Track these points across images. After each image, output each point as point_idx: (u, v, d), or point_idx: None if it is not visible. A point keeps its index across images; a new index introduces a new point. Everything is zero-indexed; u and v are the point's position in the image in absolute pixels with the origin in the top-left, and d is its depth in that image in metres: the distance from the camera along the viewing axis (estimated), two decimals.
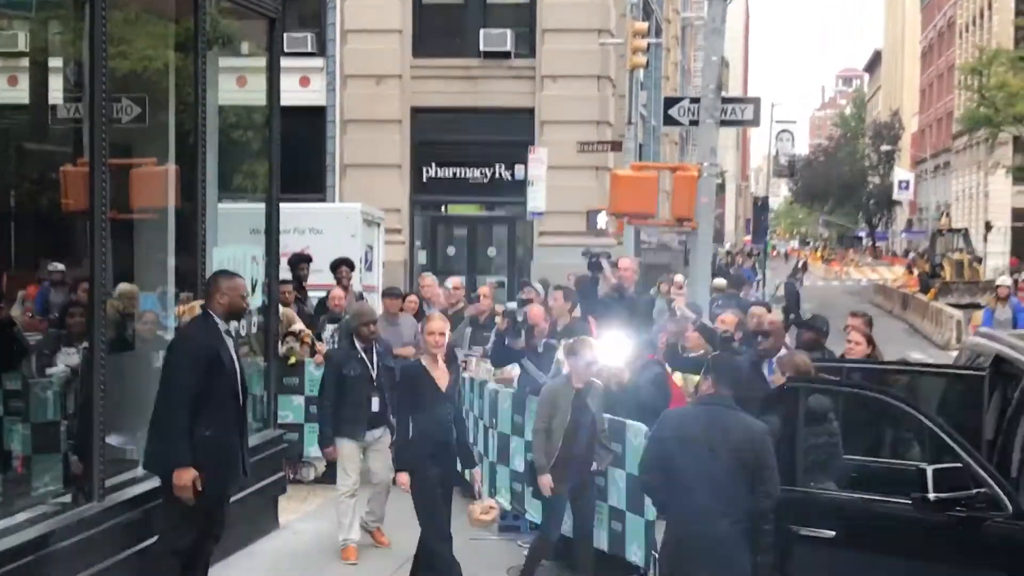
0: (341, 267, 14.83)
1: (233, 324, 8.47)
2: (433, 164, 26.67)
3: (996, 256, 64.38)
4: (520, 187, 24.48)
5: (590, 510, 9.31)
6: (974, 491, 6.52)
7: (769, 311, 12.25)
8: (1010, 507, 6.48)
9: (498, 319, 11.12)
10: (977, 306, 37.67)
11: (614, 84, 27.01)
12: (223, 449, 8.02)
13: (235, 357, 8.23)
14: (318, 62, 26.51)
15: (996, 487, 6.52)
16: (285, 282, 13.43)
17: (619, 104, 27.75)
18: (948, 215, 67.30)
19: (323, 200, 24.98)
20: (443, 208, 28.02)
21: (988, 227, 66.73)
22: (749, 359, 9.81)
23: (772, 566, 6.93)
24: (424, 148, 26.65)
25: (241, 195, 12.57)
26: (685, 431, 7.03)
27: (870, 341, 10.48)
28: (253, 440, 10.67)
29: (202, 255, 10.09)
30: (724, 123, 15.57)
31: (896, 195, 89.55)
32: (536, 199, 23.19)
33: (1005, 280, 16.21)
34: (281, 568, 10.00)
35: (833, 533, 6.89)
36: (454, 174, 26.62)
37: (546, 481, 8.99)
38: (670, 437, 7.08)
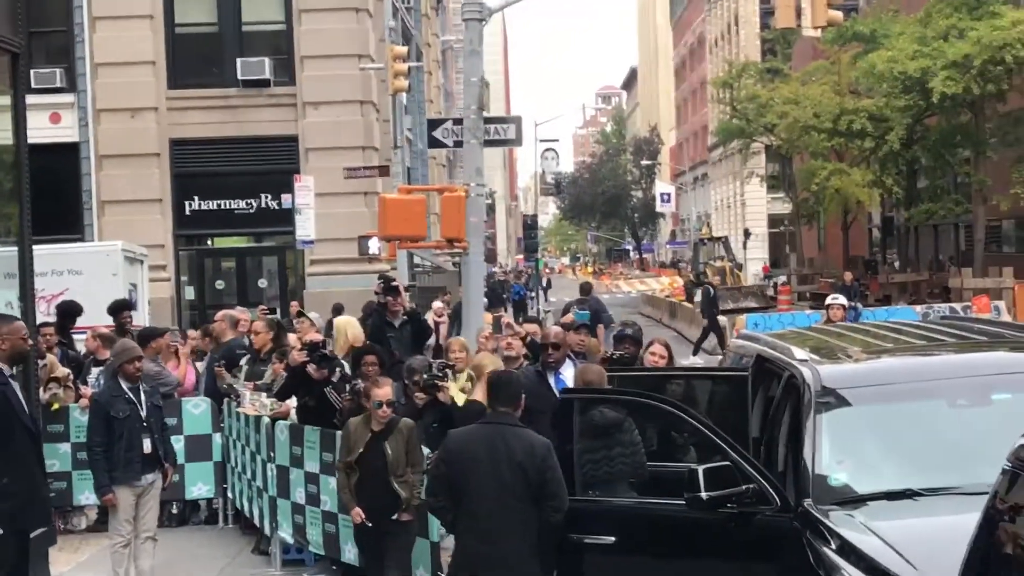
0: (122, 311, 14.40)
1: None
2: (196, 197, 26.11)
3: (756, 262, 67.16)
4: (288, 216, 24.18)
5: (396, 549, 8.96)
6: (743, 487, 6.70)
7: (541, 326, 12.45)
8: (777, 500, 6.68)
9: (295, 352, 10.77)
10: (741, 311, 39.17)
11: (377, 109, 27.00)
12: (23, 492, 7.97)
13: (22, 399, 8.13)
14: (69, 97, 25.66)
15: (763, 482, 6.72)
16: (45, 325, 12.94)
17: (384, 128, 27.76)
18: (708, 224, 69.76)
19: (81, 239, 24.13)
20: (209, 241, 27.44)
21: (747, 234, 69.44)
22: (534, 372, 9.89)
23: None
24: (185, 181, 26.06)
25: None
26: (469, 451, 7.03)
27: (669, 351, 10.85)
28: None
29: None
30: (488, 143, 15.71)
31: (659, 208, 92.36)
32: (305, 227, 22.96)
33: (838, 299, 15.21)
34: None
35: (613, 539, 6.97)
36: (219, 206, 26.11)
37: (356, 512, 8.72)
38: (454, 458, 7.08)
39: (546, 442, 7.02)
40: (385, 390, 8.54)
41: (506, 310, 34.62)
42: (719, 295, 32.85)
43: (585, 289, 25.53)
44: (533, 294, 45.32)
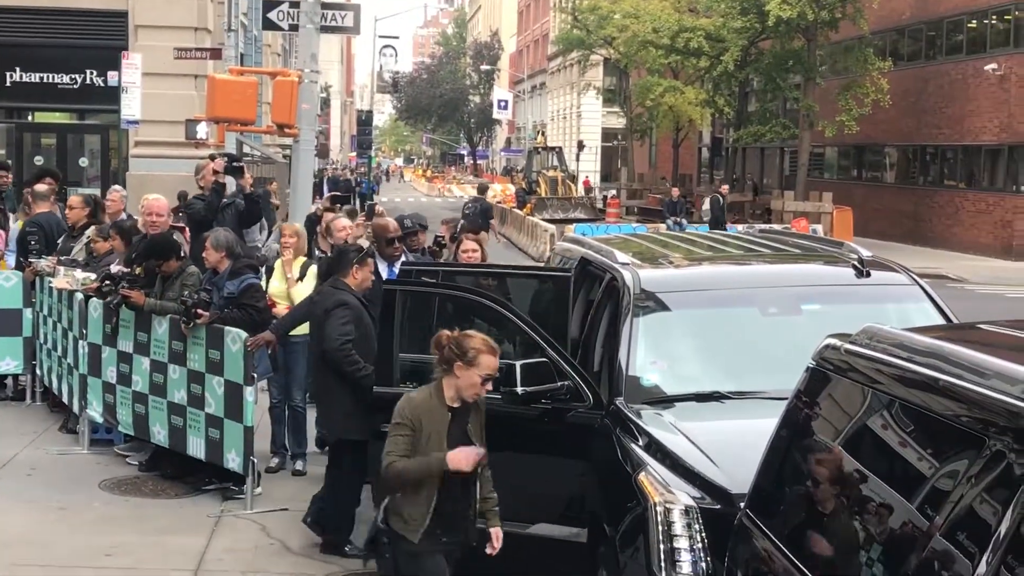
0: None
1: None
2: (17, 68, 24.98)
3: (588, 174, 67.70)
4: (114, 94, 23.31)
5: None
6: (558, 384, 6.81)
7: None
8: (591, 398, 6.82)
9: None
10: (570, 221, 39.61)
11: None
12: None
13: None
14: None
15: (577, 379, 6.83)
16: None
17: (218, 11, 26.92)
18: (543, 134, 69.97)
19: None
20: (30, 115, 26.37)
21: (580, 146, 69.96)
22: None
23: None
24: (7, 51, 24.86)
25: None
26: None
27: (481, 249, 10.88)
28: None
29: None
30: (324, 29, 15.38)
31: (496, 114, 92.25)
32: (131, 107, 22.19)
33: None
34: None
35: None
36: (41, 79, 25.03)
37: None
38: None
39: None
40: (495, 361, 5.98)
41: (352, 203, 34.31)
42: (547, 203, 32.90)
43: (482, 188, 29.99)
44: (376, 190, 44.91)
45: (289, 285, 10.35)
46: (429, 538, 5.80)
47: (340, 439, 8.27)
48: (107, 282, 9.95)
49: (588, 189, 57.91)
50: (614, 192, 53.04)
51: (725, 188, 36.59)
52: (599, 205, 49.41)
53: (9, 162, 19.86)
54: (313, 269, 10.36)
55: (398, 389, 7.21)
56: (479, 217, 25.99)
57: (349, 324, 8.07)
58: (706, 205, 34.38)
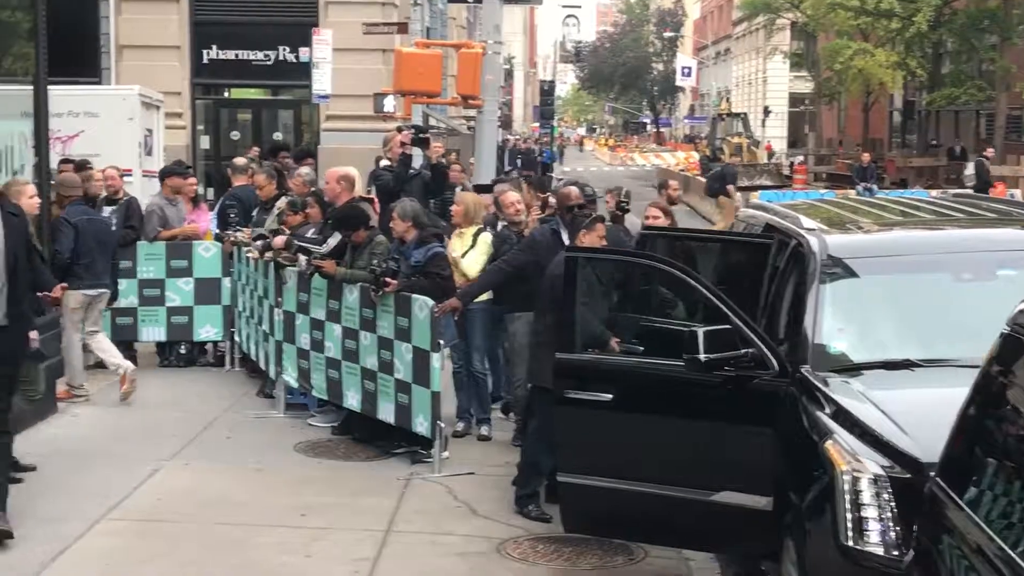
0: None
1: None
2: (214, 46, 25.84)
3: (775, 141, 66.55)
4: (305, 70, 23.92)
5: None
6: (742, 351, 6.75)
7: None
8: (776, 366, 6.74)
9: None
10: (756, 188, 39.01)
11: None
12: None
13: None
14: None
15: (762, 347, 6.76)
16: (66, 162, 13.04)
17: None
18: (728, 100, 68.98)
19: (98, 83, 23.96)
20: (226, 92, 27.26)
21: (767, 112, 68.79)
22: (549, 230, 9.87)
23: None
24: (204, 29, 25.77)
25: (11, 78, 12.06)
26: None
27: (667, 214, 10.90)
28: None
29: None
30: (508, 0, 15.50)
31: (679, 81, 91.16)
32: (322, 82, 22.75)
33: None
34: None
35: (610, 396, 7.04)
36: (236, 56, 25.85)
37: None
38: None
39: None
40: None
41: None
42: (730, 172, 32.42)
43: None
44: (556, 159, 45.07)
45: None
46: None
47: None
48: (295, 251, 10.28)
49: (770, 154, 56.93)
50: (801, 158, 52.03)
51: (991, 151, 35.09)
52: (785, 171, 48.54)
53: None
54: (484, 237, 10.47)
55: (580, 356, 7.29)
56: (716, 181, 25.94)
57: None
58: (969, 170, 32.94)
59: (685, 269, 7.48)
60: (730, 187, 28.66)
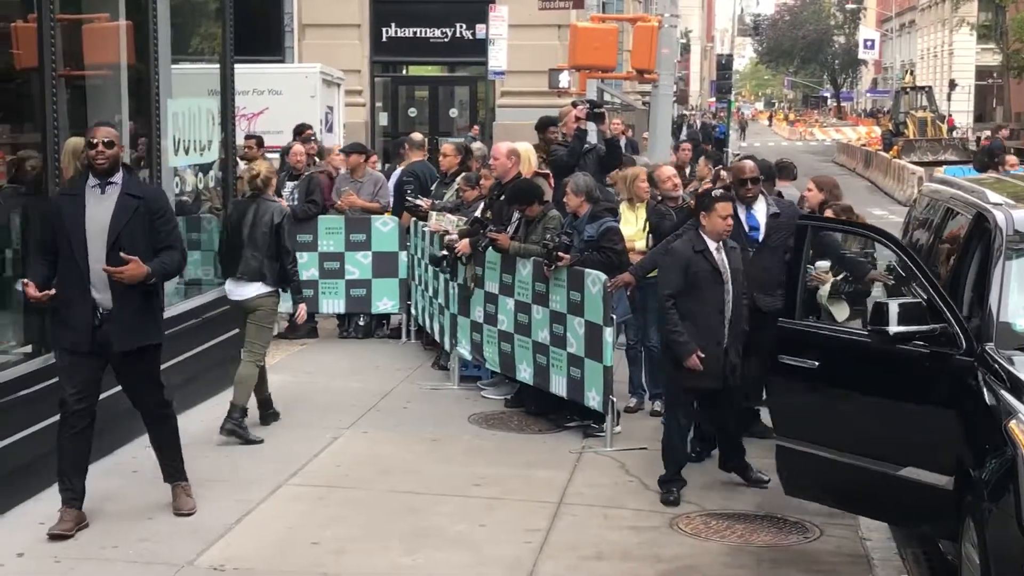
0: (306, 130, 14.94)
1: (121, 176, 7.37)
2: (393, 24, 26.30)
3: (960, 115, 64.49)
4: (481, 47, 24.17)
5: None
6: (931, 327, 6.62)
7: None
8: (964, 343, 6.58)
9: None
10: (939, 163, 37.88)
11: None
12: (63, 305, 7.33)
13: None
14: None
15: (954, 323, 6.61)
16: (250, 137, 13.49)
17: None
18: (912, 73, 67.05)
19: (281, 62, 24.63)
20: (404, 69, 27.70)
21: (952, 85, 66.67)
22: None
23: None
24: (384, 7, 26.24)
25: (199, 57, 12.48)
26: None
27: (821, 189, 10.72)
28: (209, 296, 10.72)
29: (156, 110, 10.01)
30: None
31: (861, 55, 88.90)
32: (497, 58, 22.94)
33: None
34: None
35: (816, 364, 7.10)
36: (414, 34, 26.27)
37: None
38: None
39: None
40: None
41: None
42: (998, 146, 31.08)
43: None
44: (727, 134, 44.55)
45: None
46: None
47: None
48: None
49: (951, 128, 55.14)
50: (988, 133, 50.27)
51: None
52: (971, 147, 46.96)
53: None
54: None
55: (797, 323, 7.40)
56: (984, 156, 25.45)
57: (673, 273, 8.29)
58: None
59: (896, 240, 7.52)
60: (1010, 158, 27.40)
